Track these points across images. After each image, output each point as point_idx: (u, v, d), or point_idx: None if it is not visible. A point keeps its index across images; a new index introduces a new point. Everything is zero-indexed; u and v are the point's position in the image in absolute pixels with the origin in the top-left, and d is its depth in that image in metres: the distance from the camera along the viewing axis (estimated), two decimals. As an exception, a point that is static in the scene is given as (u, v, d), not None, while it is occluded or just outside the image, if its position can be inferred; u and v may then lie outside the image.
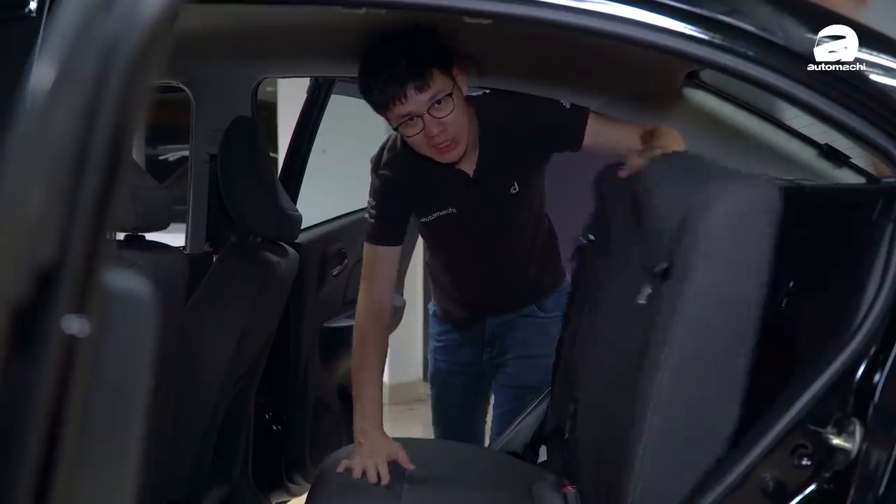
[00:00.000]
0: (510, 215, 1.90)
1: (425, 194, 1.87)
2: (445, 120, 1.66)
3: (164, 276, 1.47)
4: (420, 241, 2.25)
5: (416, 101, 1.62)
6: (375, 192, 1.87)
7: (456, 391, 2.25)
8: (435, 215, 1.89)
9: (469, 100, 1.78)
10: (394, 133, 1.82)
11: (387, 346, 1.87)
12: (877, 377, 1.11)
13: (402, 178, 1.85)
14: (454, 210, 1.88)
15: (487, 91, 1.89)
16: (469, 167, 1.83)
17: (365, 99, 1.72)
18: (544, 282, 2.10)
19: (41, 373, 0.48)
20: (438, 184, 1.84)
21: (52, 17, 1.08)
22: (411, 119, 1.65)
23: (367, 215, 1.88)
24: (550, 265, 2.12)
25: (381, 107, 1.67)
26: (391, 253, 1.87)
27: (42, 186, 0.48)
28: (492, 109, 1.81)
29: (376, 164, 1.89)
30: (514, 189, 1.86)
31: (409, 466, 1.66)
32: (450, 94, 1.65)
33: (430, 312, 2.32)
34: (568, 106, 1.82)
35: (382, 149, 1.91)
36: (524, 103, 1.85)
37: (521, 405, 2.11)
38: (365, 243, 1.88)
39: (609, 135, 1.79)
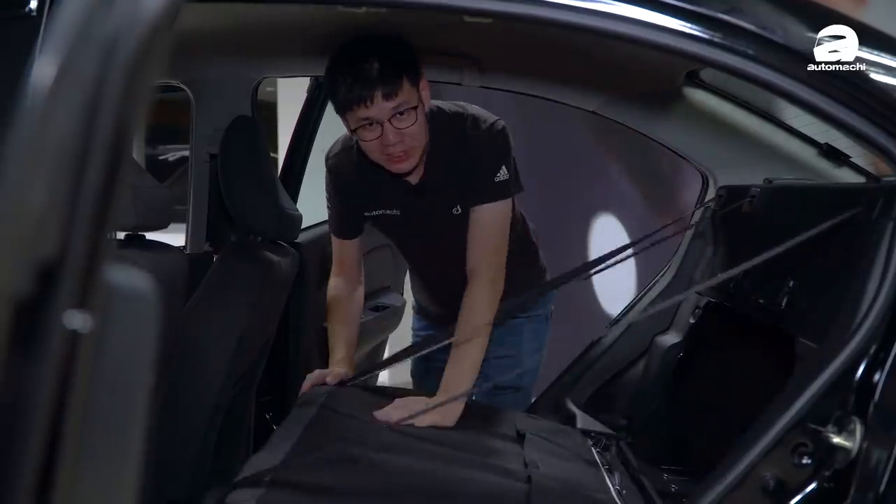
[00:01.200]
0: (455, 234, 1.85)
1: (369, 189, 1.87)
2: (405, 131, 1.65)
3: (164, 275, 1.47)
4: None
5: (380, 107, 1.61)
6: (326, 184, 1.94)
7: (434, 388, 2.25)
8: (380, 212, 1.91)
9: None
10: None
11: (360, 306, 2.03)
12: (877, 376, 1.11)
13: (348, 170, 1.87)
14: (398, 212, 1.89)
15: (443, 108, 1.83)
16: (414, 177, 1.82)
17: (328, 96, 1.71)
18: (511, 291, 2.08)
19: (43, 368, 0.48)
20: (383, 183, 1.84)
21: (52, 16, 1.08)
22: (371, 124, 1.64)
23: (326, 206, 1.97)
24: (519, 274, 2.03)
25: (343, 107, 1.66)
26: (351, 244, 1.97)
27: (44, 183, 0.48)
28: (445, 128, 1.78)
29: (328, 154, 1.93)
30: (457, 210, 1.83)
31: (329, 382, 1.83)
32: (414, 108, 1.65)
33: (412, 307, 2.35)
34: (498, 179, 1.77)
35: (337, 141, 1.93)
36: (474, 139, 1.79)
37: (496, 405, 2.10)
38: None
39: (475, 225, 1.78)
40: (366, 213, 1.93)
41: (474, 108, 1.84)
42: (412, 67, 1.66)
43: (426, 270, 2.10)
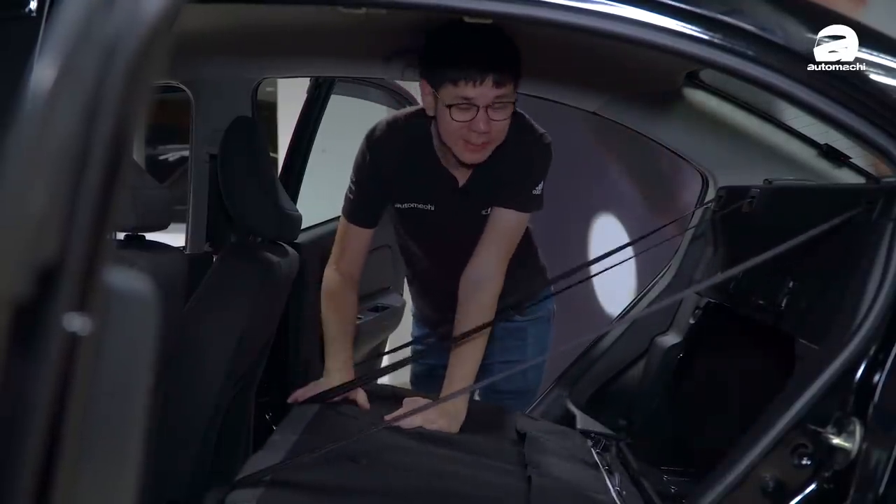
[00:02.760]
0: (477, 234, 1.87)
1: (409, 180, 1.83)
2: (495, 124, 1.64)
3: (163, 276, 1.47)
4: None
5: (486, 91, 1.60)
6: (359, 167, 1.85)
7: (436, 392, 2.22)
8: (412, 205, 1.86)
9: None
10: (401, 112, 1.81)
11: (356, 306, 1.92)
12: (877, 377, 1.11)
13: (392, 154, 1.81)
14: (432, 208, 1.85)
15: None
16: (462, 176, 1.81)
17: (428, 61, 1.67)
18: (513, 291, 2.05)
19: (43, 370, 0.48)
20: (425, 176, 1.81)
21: (52, 17, 1.08)
22: (468, 106, 1.62)
23: (347, 190, 1.87)
24: (520, 277, 2.05)
25: (447, 78, 1.62)
26: (363, 234, 1.88)
27: (43, 185, 0.48)
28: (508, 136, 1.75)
29: (370, 134, 1.85)
30: (486, 212, 1.84)
31: (366, 406, 1.75)
32: (512, 103, 1.65)
33: (412, 314, 2.31)
34: (535, 192, 1.81)
35: (381, 122, 1.89)
36: (527, 147, 1.81)
37: None
38: (341, 217, 1.90)
39: (488, 228, 1.80)
40: (396, 205, 1.87)
41: (527, 116, 1.83)
42: (520, 69, 1.66)
43: (438, 272, 2.04)
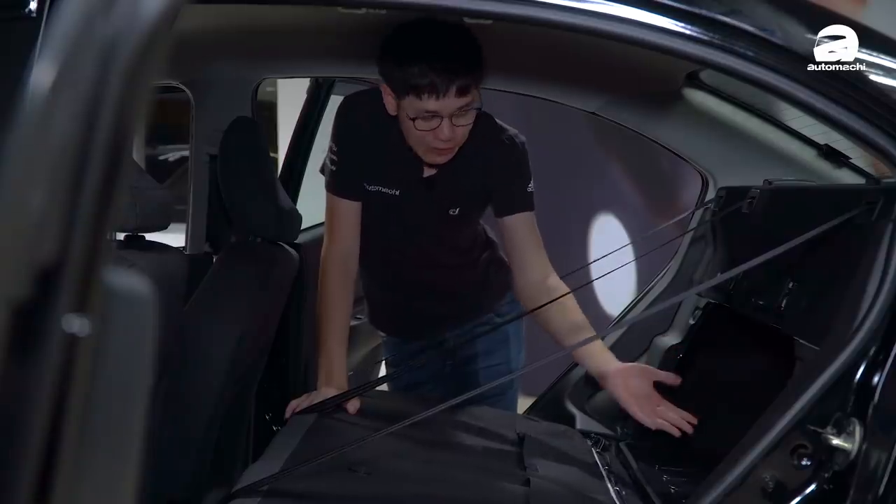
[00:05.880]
0: (444, 233, 1.86)
1: (378, 159, 1.77)
2: (459, 129, 1.60)
3: (163, 276, 1.47)
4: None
5: (451, 102, 1.55)
6: (337, 136, 1.79)
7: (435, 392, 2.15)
8: (378, 188, 1.79)
9: None
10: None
11: (353, 296, 1.85)
12: (876, 377, 1.11)
13: (363, 131, 1.76)
14: (397, 193, 1.80)
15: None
16: (430, 168, 1.77)
17: (388, 75, 1.60)
18: (485, 290, 2.06)
19: (42, 372, 0.48)
20: (393, 158, 1.75)
21: (52, 17, 1.08)
22: (432, 116, 1.57)
23: (327, 160, 1.80)
24: (489, 274, 2.05)
25: (408, 91, 1.55)
26: (352, 208, 1.81)
27: (43, 186, 0.48)
28: (477, 135, 1.71)
29: (346, 102, 1.80)
30: (454, 212, 1.82)
31: (353, 412, 1.68)
32: (476, 108, 1.61)
33: (383, 342, 2.28)
34: (529, 189, 1.80)
35: (359, 93, 1.84)
36: (506, 148, 1.78)
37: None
38: (327, 194, 1.84)
39: (516, 236, 1.81)
40: (365, 185, 1.81)
41: (494, 117, 1.80)
42: (482, 64, 1.60)
43: (397, 269, 1.97)
